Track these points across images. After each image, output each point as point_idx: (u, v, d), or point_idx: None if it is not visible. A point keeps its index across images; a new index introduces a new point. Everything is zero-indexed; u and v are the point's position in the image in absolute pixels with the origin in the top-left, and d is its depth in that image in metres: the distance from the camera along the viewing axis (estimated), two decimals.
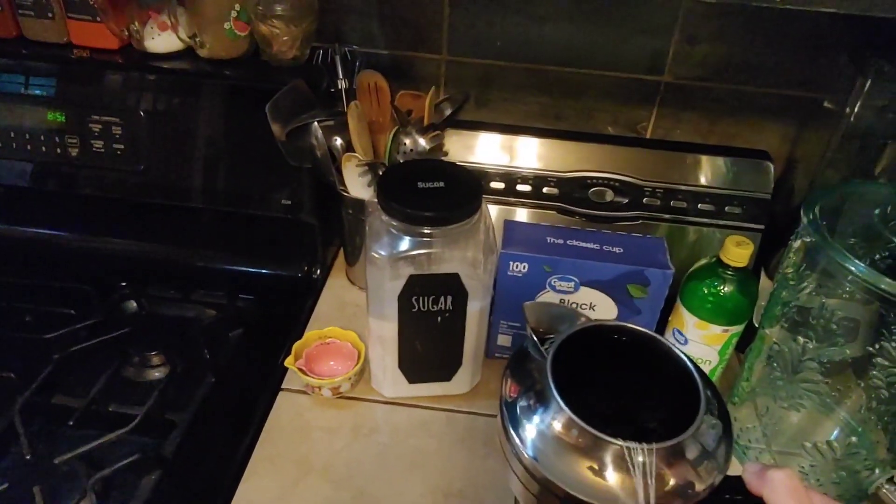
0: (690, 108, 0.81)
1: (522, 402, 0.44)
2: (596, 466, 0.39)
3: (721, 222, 0.75)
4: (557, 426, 0.41)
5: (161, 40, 0.76)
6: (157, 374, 0.71)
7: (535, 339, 0.46)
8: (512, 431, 0.43)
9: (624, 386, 0.49)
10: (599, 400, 0.47)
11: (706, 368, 0.68)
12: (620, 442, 0.39)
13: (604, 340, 0.47)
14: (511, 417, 0.43)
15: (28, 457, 0.60)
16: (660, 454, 0.39)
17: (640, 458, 0.38)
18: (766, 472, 0.36)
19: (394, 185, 0.60)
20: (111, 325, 0.74)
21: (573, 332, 0.46)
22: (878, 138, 0.69)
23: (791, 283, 0.58)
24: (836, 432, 0.63)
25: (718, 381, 0.70)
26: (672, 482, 0.39)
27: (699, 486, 0.39)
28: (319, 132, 0.70)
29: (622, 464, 0.39)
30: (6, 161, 0.79)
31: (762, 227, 0.75)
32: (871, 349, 0.53)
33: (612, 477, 0.39)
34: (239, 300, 0.80)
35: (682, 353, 0.46)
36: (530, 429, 0.42)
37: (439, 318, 0.63)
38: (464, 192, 0.60)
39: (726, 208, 0.75)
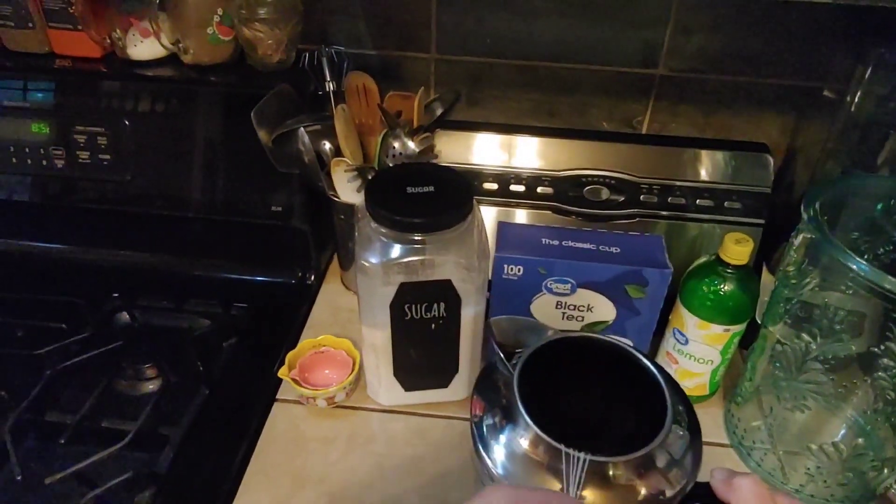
0: (687, 101, 0.80)
1: (489, 420, 0.43)
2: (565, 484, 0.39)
3: (721, 218, 0.74)
4: (525, 443, 0.41)
5: (144, 47, 0.75)
6: (150, 386, 0.70)
7: (502, 354, 0.45)
8: (482, 450, 0.42)
9: (595, 397, 0.49)
10: (570, 413, 0.46)
11: (708, 368, 0.66)
12: (591, 457, 0.38)
13: (573, 352, 0.47)
14: (480, 435, 0.43)
15: (18, 477, 0.59)
16: (627, 465, 0.39)
17: (574, 467, 0.38)
18: (734, 479, 0.36)
19: (382, 190, 0.59)
20: (103, 339, 0.73)
21: (540, 346, 0.45)
22: (879, 128, 0.67)
23: (793, 280, 0.56)
24: (842, 432, 0.61)
25: (721, 380, 0.69)
26: (643, 492, 0.39)
27: (668, 493, 0.39)
28: (306, 137, 0.69)
29: (595, 478, 0.38)
30: None
31: (762, 221, 0.73)
32: (876, 350, 0.52)
33: (587, 494, 0.38)
34: (232, 309, 0.79)
35: (651, 362, 0.45)
36: (498, 448, 0.42)
37: (433, 325, 0.61)
38: (454, 195, 0.59)
39: (725, 203, 0.73)
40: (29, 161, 0.76)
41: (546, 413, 0.41)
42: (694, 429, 0.43)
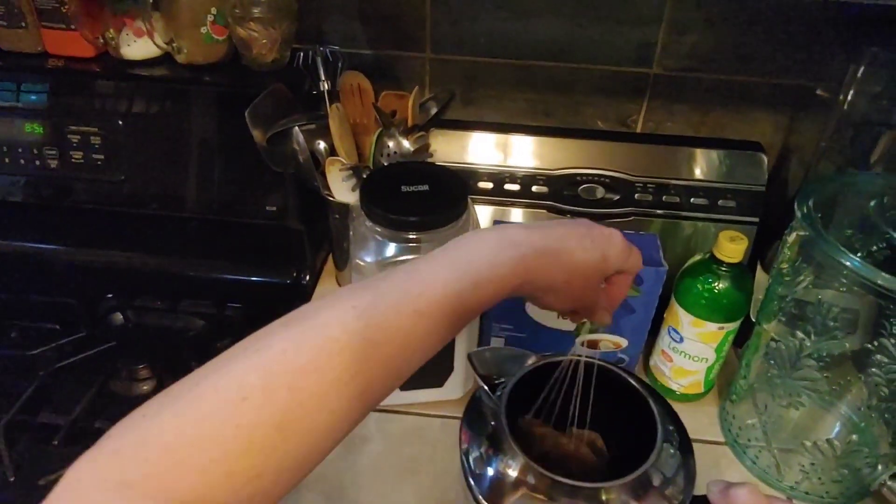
0: (681, 100, 0.80)
1: (476, 452, 0.43)
2: None
3: (715, 216, 0.74)
4: (514, 473, 0.41)
5: (137, 47, 0.74)
6: (144, 387, 0.70)
7: (486, 387, 0.45)
8: (471, 481, 0.42)
9: (584, 419, 0.49)
10: (560, 434, 0.47)
11: (703, 366, 0.67)
12: (583, 484, 0.38)
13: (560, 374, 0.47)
14: (470, 468, 0.42)
15: (11, 478, 0.59)
16: (622, 489, 0.38)
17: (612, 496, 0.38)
18: (730, 491, 0.36)
19: (377, 189, 0.59)
20: (97, 339, 0.73)
21: (524, 374, 0.45)
22: (872, 126, 0.67)
23: (786, 277, 0.57)
24: (836, 429, 0.61)
25: (716, 378, 0.69)
26: None
27: None
28: (301, 137, 0.69)
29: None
30: None
31: (757, 219, 0.73)
32: (869, 346, 0.52)
33: None
34: (227, 309, 0.79)
35: (638, 382, 0.45)
36: (488, 479, 0.41)
37: None
38: (449, 194, 0.59)
39: (720, 202, 0.73)
40: (22, 161, 0.76)
41: (532, 439, 0.42)
42: (685, 446, 0.43)
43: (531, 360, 0.47)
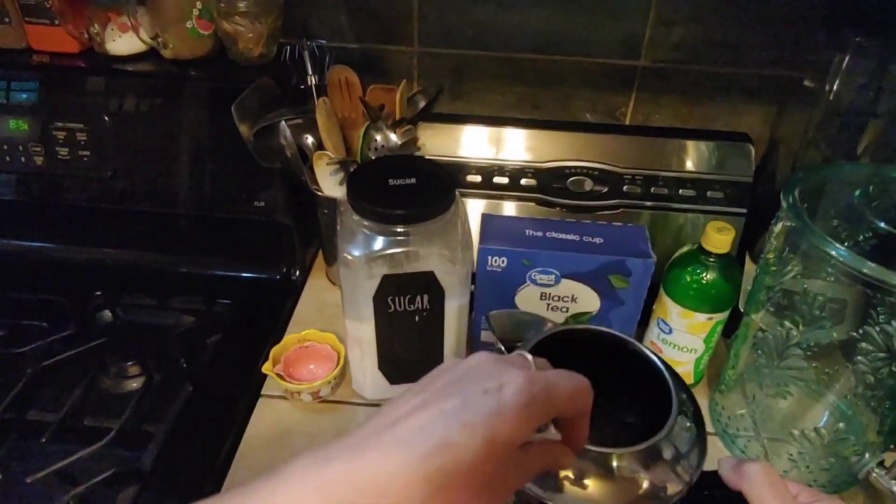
0: (669, 92, 0.80)
1: None
2: (572, 475, 0.38)
3: (703, 208, 0.74)
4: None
5: (123, 42, 0.74)
6: (133, 384, 0.70)
7: (503, 348, 0.45)
8: None
9: (598, 390, 0.48)
10: None
11: (692, 357, 0.67)
12: (594, 448, 0.38)
13: (574, 345, 0.46)
14: None
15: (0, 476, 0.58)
16: (634, 457, 0.38)
17: (624, 463, 0.38)
18: (743, 467, 0.36)
19: (364, 183, 0.59)
20: (86, 337, 0.72)
21: (541, 339, 0.44)
22: (859, 116, 0.67)
23: (773, 268, 0.57)
24: (825, 418, 0.62)
25: (705, 369, 0.69)
26: (646, 484, 0.38)
27: (674, 488, 0.38)
28: (288, 131, 0.69)
29: (598, 470, 0.38)
30: None
31: (745, 210, 0.74)
32: (855, 334, 0.52)
33: (590, 484, 0.38)
34: (216, 305, 0.79)
35: (654, 354, 0.45)
36: None
37: (417, 318, 0.61)
38: (436, 187, 0.59)
39: (708, 193, 0.74)
40: (7, 158, 0.75)
41: None
42: (698, 420, 0.43)
43: (549, 326, 0.46)
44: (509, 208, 0.77)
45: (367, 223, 0.57)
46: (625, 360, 0.46)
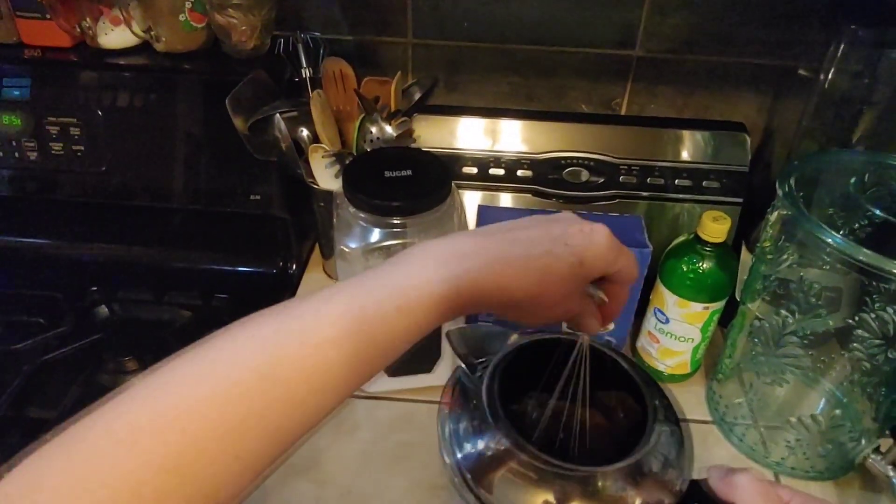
0: (664, 82, 0.80)
1: (467, 439, 0.41)
2: (552, 499, 0.37)
3: (699, 197, 0.74)
4: (504, 457, 0.39)
5: (115, 35, 0.73)
6: (132, 380, 0.70)
7: (465, 367, 0.43)
8: (463, 469, 0.40)
9: (570, 399, 0.47)
10: (550, 417, 0.45)
11: (689, 346, 0.67)
12: (575, 468, 0.37)
13: (542, 355, 0.45)
14: (457, 453, 0.41)
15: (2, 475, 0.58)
16: (620, 474, 0.37)
17: (608, 481, 0.37)
18: (732, 477, 0.36)
19: (360, 175, 0.59)
20: (83, 332, 0.72)
21: (507, 354, 0.43)
22: (853, 105, 0.67)
23: (770, 256, 0.57)
24: (821, 405, 0.62)
25: (702, 358, 0.70)
26: (637, 501, 0.37)
27: (667, 499, 0.38)
28: (283, 124, 0.68)
29: (583, 490, 0.37)
30: None
31: (741, 200, 0.74)
32: (851, 321, 0.53)
33: None
34: (214, 300, 0.78)
35: (626, 360, 0.43)
36: (478, 464, 0.39)
37: None
38: (432, 178, 0.59)
39: (704, 183, 0.74)
40: (0, 154, 0.74)
41: (519, 422, 0.39)
42: (679, 430, 0.42)
43: (513, 339, 0.45)
44: (505, 199, 0.77)
45: (363, 215, 0.57)
46: (599, 366, 0.44)
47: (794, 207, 0.52)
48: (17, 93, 0.73)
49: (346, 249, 0.58)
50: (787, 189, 0.53)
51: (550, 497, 0.37)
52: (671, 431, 0.41)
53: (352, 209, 0.57)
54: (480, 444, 0.40)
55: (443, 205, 0.58)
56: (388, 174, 0.58)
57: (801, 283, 0.54)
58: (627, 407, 0.42)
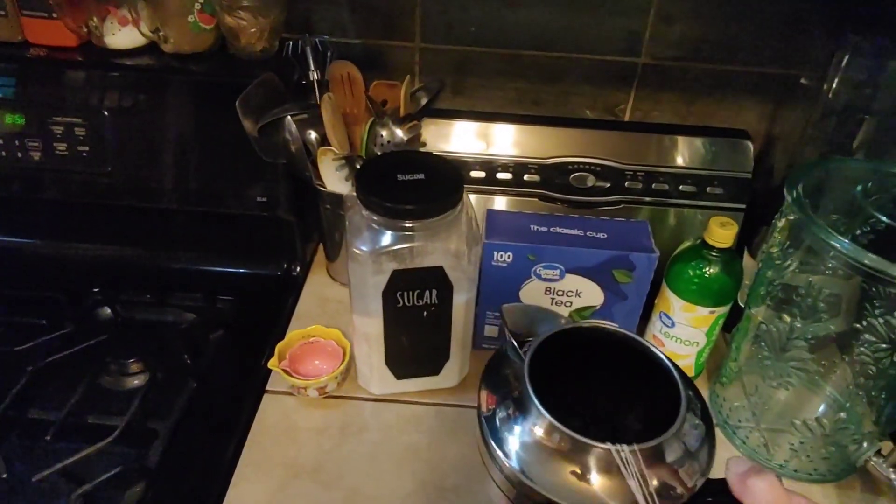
0: (668, 89, 0.81)
1: (501, 411, 0.42)
2: (579, 471, 0.38)
3: (703, 203, 0.75)
4: (538, 432, 0.40)
5: (122, 36, 0.73)
6: (136, 381, 0.69)
7: (514, 342, 0.45)
8: (492, 442, 0.41)
9: (605, 387, 0.48)
10: (580, 402, 0.46)
11: (693, 350, 0.68)
12: (604, 445, 0.38)
13: (583, 342, 0.46)
14: (490, 427, 0.42)
15: (4, 475, 0.58)
16: (643, 454, 0.38)
17: (628, 459, 0.37)
18: (749, 480, 0.35)
19: (372, 178, 0.59)
20: (85, 334, 0.72)
21: (550, 335, 0.44)
22: (855, 113, 0.69)
23: (777, 262, 0.58)
24: (822, 408, 0.63)
25: (706, 362, 0.71)
26: (655, 483, 0.38)
27: (681, 489, 0.38)
28: (293, 126, 0.68)
29: (605, 466, 0.38)
30: None
31: (744, 206, 0.75)
32: (858, 326, 0.54)
33: (596, 480, 0.38)
34: (218, 302, 0.78)
35: (661, 352, 0.44)
36: (511, 438, 0.41)
37: (425, 313, 0.61)
38: (444, 183, 0.59)
39: (707, 189, 0.75)
40: (3, 153, 0.74)
41: (557, 401, 0.40)
42: (707, 419, 0.42)
43: (561, 321, 0.46)
44: (512, 204, 0.77)
45: (375, 218, 0.57)
46: (631, 357, 0.46)
47: (803, 213, 0.53)
48: (13, 86, 0.72)
49: (358, 252, 0.58)
50: (794, 195, 0.54)
51: (577, 469, 0.38)
52: (698, 423, 0.41)
53: (364, 212, 0.58)
54: (519, 420, 0.41)
55: (455, 209, 0.58)
56: (400, 177, 0.58)
57: (810, 288, 0.55)
58: (659, 396, 0.43)
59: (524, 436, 0.40)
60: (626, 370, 0.46)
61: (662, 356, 0.44)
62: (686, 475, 0.39)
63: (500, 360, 0.46)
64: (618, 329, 0.47)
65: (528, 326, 0.46)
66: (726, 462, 0.37)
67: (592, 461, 0.38)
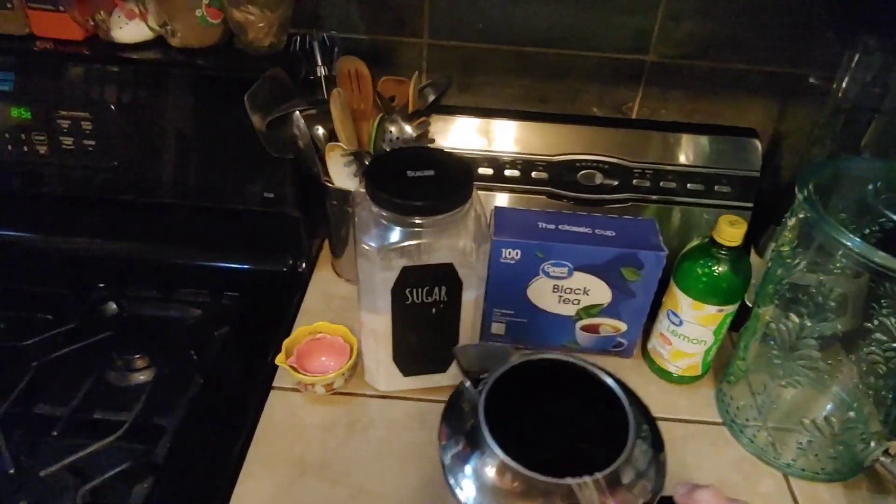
0: (675, 87, 0.81)
1: (455, 449, 0.43)
2: None
3: (710, 202, 0.75)
4: (493, 472, 0.40)
5: (129, 29, 0.73)
6: (141, 377, 0.69)
7: (468, 381, 0.45)
8: (451, 479, 0.42)
9: (563, 417, 0.49)
10: (539, 435, 0.46)
11: (701, 349, 0.68)
12: (561, 480, 0.38)
13: (540, 375, 0.47)
14: (450, 464, 0.42)
15: (11, 470, 0.57)
16: (597, 485, 0.38)
17: (585, 492, 0.38)
18: (694, 493, 0.39)
19: (382, 174, 0.59)
20: (91, 329, 0.71)
21: (504, 372, 0.45)
22: (863, 113, 0.68)
23: (787, 260, 0.58)
24: (829, 407, 0.63)
25: (713, 361, 0.71)
26: None
27: None
28: (302, 122, 0.68)
29: (562, 499, 0.38)
30: None
31: (751, 205, 0.75)
32: (868, 325, 0.54)
33: None
34: (223, 298, 0.78)
35: (610, 376, 0.45)
36: (468, 477, 0.41)
37: (433, 310, 0.61)
38: (454, 179, 0.59)
39: (715, 187, 0.75)
40: (9, 147, 0.73)
41: (514, 438, 0.41)
42: (657, 443, 0.43)
43: (514, 357, 0.47)
44: (520, 201, 0.77)
45: (385, 214, 0.57)
46: (586, 386, 0.46)
47: (815, 211, 0.53)
48: (19, 79, 0.72)
49: (367, 248, 0.58)
50: (806, 194, 0.54)
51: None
52: (647, 449, 0.42)
53: (374, 208, 0.57)
54: (472, 452, 0.42)
55: (465, 206, 0.58)
56: (410, 174, 0.58)
57: (821, 287, 0.55)
58: (612, 421, 0.44)
59: (480, 474, 0.41)
60: (582, 398, 0.47)
61: (610, 380, 0.45)
62: (639, 495, 0.40)
63: (458, 399, 0.46)
64: (568, 359, 0.47)
65: (481, 365, 0.47)
66: (674, 485, 0.41)
67: (548, 495, 0.39)
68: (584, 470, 0.39)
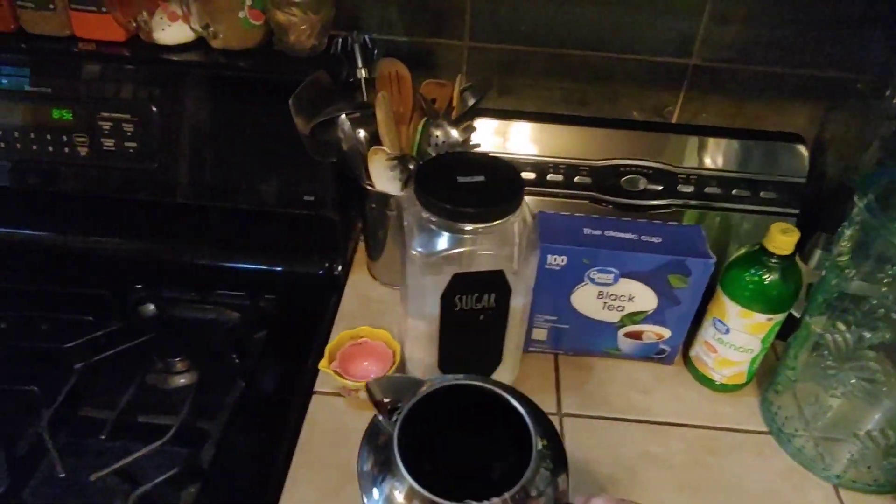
0: (717, 91, 0.80)
1: (377, 478, 0.43)
2: None
3: (756, 208, 0.74)
4: (401, 497, 0.41)
5: (171, 31, 0.72)
6: (182, 380, 0.69)
7: (381, 414, 0.46)
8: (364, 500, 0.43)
9: (477, 439, 0.50)
10: (452, 459, 0.48)
11: (748, 357, 0.67)
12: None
13: (454, 401, 0.48)
14: (367, 494, 0.43)
15: (62, 474, 0.57)
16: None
17: None
18: (591, 500, 0.42)
19: (432, 179, 0.58)
20: (131, 331, 0.71)
21: (417, 401, 0.46)
22: None
23: (844, 270, 0.57)
24: (881, 417, 0.62)
25: (758, 369, 0.70)
26: None
27: None
28: (347, 125, 0.68)
29: None
30: (9, 162, 0.75)
31: (797, 211, 0.74)
32: None
33: None
34: (261, 300, 0.78)
35: (517, 398, 0.46)
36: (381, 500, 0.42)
37: (482, 316, 0.61)
38: (504, 186, 0.58)
39: (761, 193, 0.74)
40: (50, 148, 0.73)
41: (427, 465, 0.42)
42: (559, 459, 0.44)
43: (425, 387, 0.48)
44: (563, 206, 0.76)
45: (435, 220, 0.57)
46: (496, 408, 0.47)
47: (877, 220, 0.52)
48: (62, 80, 0.72)
49: (416, 254, 0.57)
50: (866, 203, 0.53)
51: None
52: (547, 464, 0.43)
53: (424, 214, 0.57)
54: (387, 482, 0.43)
55: (515, 213, 0.57)
56: (461, 179, 0.58)
57: (883, 298, 0.54)
58: (519, 444, 0.45)
59: (391, 499, 0.42)
60: (495, 419, 0.47)
61: (516, 403, 0.46)
62: None
63: (376, 429, 0.47)
64: (475, 383, 0.48)
65: (394, 395, 0.47)
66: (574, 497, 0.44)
67: None
68: (495, 491, 0.41)
